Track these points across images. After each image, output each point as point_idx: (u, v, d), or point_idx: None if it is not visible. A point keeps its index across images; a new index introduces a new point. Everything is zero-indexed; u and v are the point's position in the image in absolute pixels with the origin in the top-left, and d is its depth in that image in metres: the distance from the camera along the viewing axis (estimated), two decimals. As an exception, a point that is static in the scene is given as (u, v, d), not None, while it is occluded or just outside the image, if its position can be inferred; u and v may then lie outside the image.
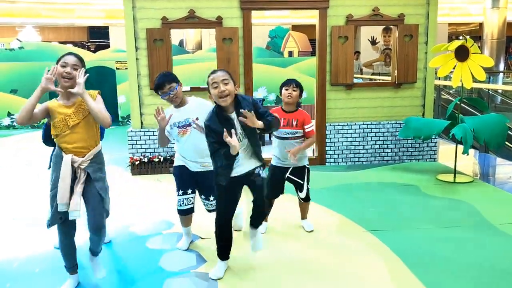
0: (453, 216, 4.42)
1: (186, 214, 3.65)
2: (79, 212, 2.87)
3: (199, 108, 3.47)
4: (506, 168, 6.72)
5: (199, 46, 20.05)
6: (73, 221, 2.96)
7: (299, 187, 4.00)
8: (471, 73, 5.51)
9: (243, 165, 3.11)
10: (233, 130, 2.89)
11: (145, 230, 4.16)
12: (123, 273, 3.31)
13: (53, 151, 3.06)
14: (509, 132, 6.25)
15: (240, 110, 2.91)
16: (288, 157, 3.76)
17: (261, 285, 3.14)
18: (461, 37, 6.13)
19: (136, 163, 6.22)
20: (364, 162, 6.63)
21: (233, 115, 3.02)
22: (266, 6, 6.70)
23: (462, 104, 6.02)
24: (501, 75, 15.90)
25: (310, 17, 16.37)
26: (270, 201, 3.95)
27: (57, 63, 2.87)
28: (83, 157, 2.88)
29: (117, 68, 11.28)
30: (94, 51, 19.10)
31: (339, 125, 6.54)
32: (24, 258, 3.61)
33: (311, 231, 4.06)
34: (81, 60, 2.92)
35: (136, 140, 6.35)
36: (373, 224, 4.19)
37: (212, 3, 6.17)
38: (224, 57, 6.19)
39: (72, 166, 2.86)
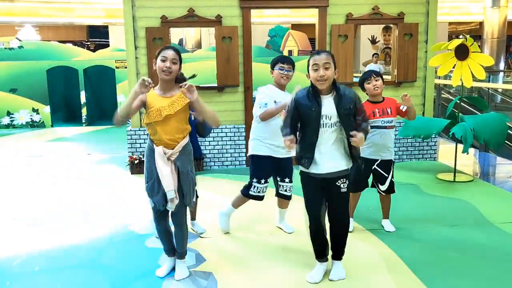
0: (453, 215, 4.41)
1: (259, 200, 3.81)
2: (174, 196, 3.02)
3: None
4: (506, 167, 6.71)
5: (198, 45, 20.06)
6: (166, 211, 3.13)
7: (381, 180, 3.93)
8: (471, 72, 5.51)
9: (324, 162, 2.95)
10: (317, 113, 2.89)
11: (144, 229, 4.15)
12: (122, 272, 3.31)
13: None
14: (509, 131, 6.25)
15: (351, 133, 2.87)
16: (404, 98, 3.77)
17: (257, 279, 3.14)
18: (461, 36, 6.12)
19: (136, 162, 6.21)
20: (364, 161, 6.62)
21: (325, 98, 2.93)
22: (265, 5, 6.69)
23: (462, 103, 6.01)
24: (501, 74, 15.90)
25: (309, 16, 16.36)
26: (355, 194, 3.97)
27: (156, 57, 3.00)
28: (173, 149, 3.00)
29: (116, 67, 11.27)
30: (94, 50, 19.09)
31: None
32: (23, 257, 3.60)
33: (393, 231, 4.00)
34: (179, 53, 3.03)
35: (135, 139, 6.35)
36: (373, 223, 4.19)
37: (212, 2, 6.16)
38: (223, 56, 6.19)
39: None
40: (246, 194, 3.82)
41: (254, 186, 3.77)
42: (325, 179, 3.00)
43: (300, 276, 3.21)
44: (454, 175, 5.70)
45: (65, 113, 12.24)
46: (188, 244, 3.73)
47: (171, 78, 3.00)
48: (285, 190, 3.86)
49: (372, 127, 3.79)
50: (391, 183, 3.96)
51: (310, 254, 3.56)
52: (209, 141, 6.44)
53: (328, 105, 2.92)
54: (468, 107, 8.93)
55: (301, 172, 3.08)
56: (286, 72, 3.69)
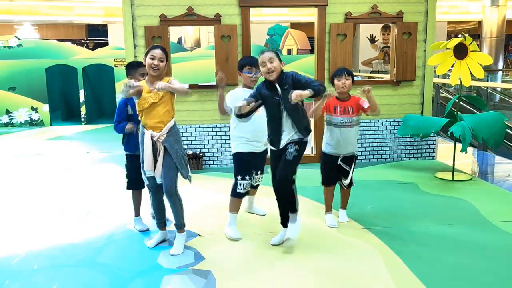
0: (451, 214, 4.42)
1: (244, 196, 4.00)
2: (159, 178, 3.50)
3: None
4: (504, 166, 6.73)
5: (197, 44, 20.06)
6: (160, 186, 3.53)
7: (344, 174, 4.11)
8: (469, 71, 5.51)
9: (285, 137, 3.48)
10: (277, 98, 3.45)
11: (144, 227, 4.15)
12: (121, 270, 3.31)
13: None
14: (507, 130, 6.26)
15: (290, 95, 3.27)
16: (364, 93, 3.76)
17: (258, 280, 3.14)
18: (460, 35, 6.12)
19: (135, 160, 6.20)
20: (362, 160, 6.63)
21: (277, 86, 3.46)
22: (264, 4, 6.69)
23: (460, 102, 6.02)
24: (500, 73, 15.92)
25: (309, 14, 16.36)
26: (328, 188, 4.19)
27: (146, 55, 3.42)
28: (160, 132, 3.40)
29: (115, 66, 11.26)
30: (93, 49, 19.06)
31: (337, 123, 6.53)
32: (23, 255, 3.60)
33: (346, 221, 4.20)
34: (166, 52, 3.46)
35: (134, 138, 6.34)
36: (372, 222, 4.19)
37: (211, 1, 6.16)
38: (222, 55, 6.19)
39: (152, 140, 3.42)
40: (235, 194, 3.94)
41: (240, 184, 3.90)
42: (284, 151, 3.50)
43: (299, 274, 3.22)
44: (453, 174, 5.71)
45: (64, 111, 12.24)
46: (186, 242, 3.76)
47: (159, 74, 3.43)
48: (255, 181, 4.11)
49: (330, 123, 4.00)
50: (352, 177, 4.15)
51: (309, 252, 3.57)
52: (208, 140, 6.45)
53: (281, 92, 3.44)
54: (467, 106, 8.94)
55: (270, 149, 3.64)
56: (255, 76, 3.87)
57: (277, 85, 3.45)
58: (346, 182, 4.14)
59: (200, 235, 3.96)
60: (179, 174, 3.53)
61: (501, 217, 4.29)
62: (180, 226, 3.62)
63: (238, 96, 3.77)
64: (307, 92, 3.25)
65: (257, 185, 4.23)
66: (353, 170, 4.12)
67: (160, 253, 3.58)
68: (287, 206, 3.59)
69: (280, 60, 3.47)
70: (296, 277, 3.19)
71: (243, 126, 3.82)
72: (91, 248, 3.72)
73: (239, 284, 3.12)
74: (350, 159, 4.08)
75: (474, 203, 4.72)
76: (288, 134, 3.49)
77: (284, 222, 3.70)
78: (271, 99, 3.47)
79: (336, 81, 3.97)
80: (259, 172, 4.09)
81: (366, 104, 3.90)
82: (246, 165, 3.91)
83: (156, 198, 3.63)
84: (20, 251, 3.69)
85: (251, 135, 3.86)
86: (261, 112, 3.69)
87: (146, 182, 3.58)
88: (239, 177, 3.90)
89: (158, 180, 3.50)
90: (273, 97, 3.45)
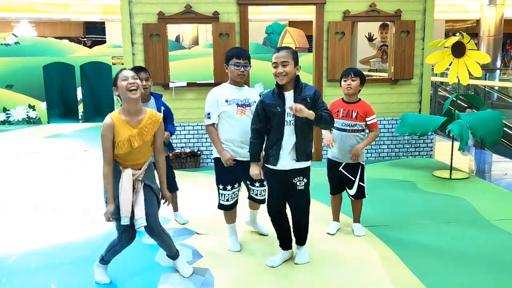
0: (449, 212, 4.43)
1: (232, 208, 3.59)
2: (144, 219, 2.91)
3: (255, 94, 3.56)
4: (501, 165, 6.74)
5: (195, 42, 20.04)
6: (134, 229, 3.01)
7: (348, 184, 3.81)
8: (467, 69, 5.52)
9: (284, 158, 3.12)
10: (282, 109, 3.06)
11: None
12: (119, 269, 3.30)
13: None
14: (505, 128, 6.27)
15: (290, 105, 2.97)
16: (351, 159, 3.68)
17: (256, 278, 3.14)
18: (458, 34, 6.12)
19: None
20: (360, 158, 6.63)
21: (288, 94, 3.09)
22: (263, 1, 6.70)
23: (458, 101, 6.03)
24: (497, 72, 15.97)
25: (307, 13, 16.36)
26: (333, 197, 3.97)
27: (114, 84, 2.95)
28: (140, 169, 2.93)
29: (113, 64, 11.24)
30: (90, 47, 19.02)
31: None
32: (20, 254, 3.60)
33: (363, 235, 3.85)
34: (135, 73, 2.98)
35: (132, 136, 6.33)
36: (370, 220, 4.19)
37: (209, -2, 6.16)
38: (220, 53, 6.17)
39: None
40: (220, 206, 3.58)
41: (222, 194, 3.51)
42: (285, 175, 3.17)
43: (296, 272, 3.22)
44: (450, 172, 5.73)
45: (62, 109, 12.22)
46: (184, 240, 3.77)
47: (139, 97, 2.86)
48: (256, 194, 3.61)
49: (334, 128, 3.71)
50: (360, 187, 3.80)
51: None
52: (206, 138, 6.44)
53: (289, 101, 3.06)
54: (465, 104, 8.96)
55: (265, 166, 3.25)
56: (242, 69, 3.38)
57: (286, 94, 3.08)
58: (352, 192, 3.80)
59: (198, 233, 3.95)
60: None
61: (499, 216, 4.30)
62: (175, 256, 3.21)
63: (220, 94, 3.41)
64: (311, 113, 2.94)
65: (261, 200, 3.63)
66: (359, 179, 3.78)
67: (157, 251, 3.57)
68: (302, 234, 3.36)
69: (296, 63, 3.07)
70: (293, 275, 3.19)
71: (226, 127, 3.41)
72: (89, 247, 3.72)
73: (237, 282, 3.12)
74: (354, 167, 3.76)
75: (472, 201, 4.73)
76: (288, 156, 3.11)
77: (285, 244, 3.38)
78: (274, 109, 3.06)
79: (342, 82, 3.72)
80: (256, 184, 3.55)
81: (372, 121, 3.67)
82: (227, 173, 3.44)
83: (129, 244, 3.12)
84: (18, 249, 3.68)
85: (235, 138, 3.40)
86: (248, 113, 3.41)
87: (118, 228, 3.00)
88: (220, 187, 3.50)
89: (141, 223, 2.94)
90: (277, 106, 3.06)
